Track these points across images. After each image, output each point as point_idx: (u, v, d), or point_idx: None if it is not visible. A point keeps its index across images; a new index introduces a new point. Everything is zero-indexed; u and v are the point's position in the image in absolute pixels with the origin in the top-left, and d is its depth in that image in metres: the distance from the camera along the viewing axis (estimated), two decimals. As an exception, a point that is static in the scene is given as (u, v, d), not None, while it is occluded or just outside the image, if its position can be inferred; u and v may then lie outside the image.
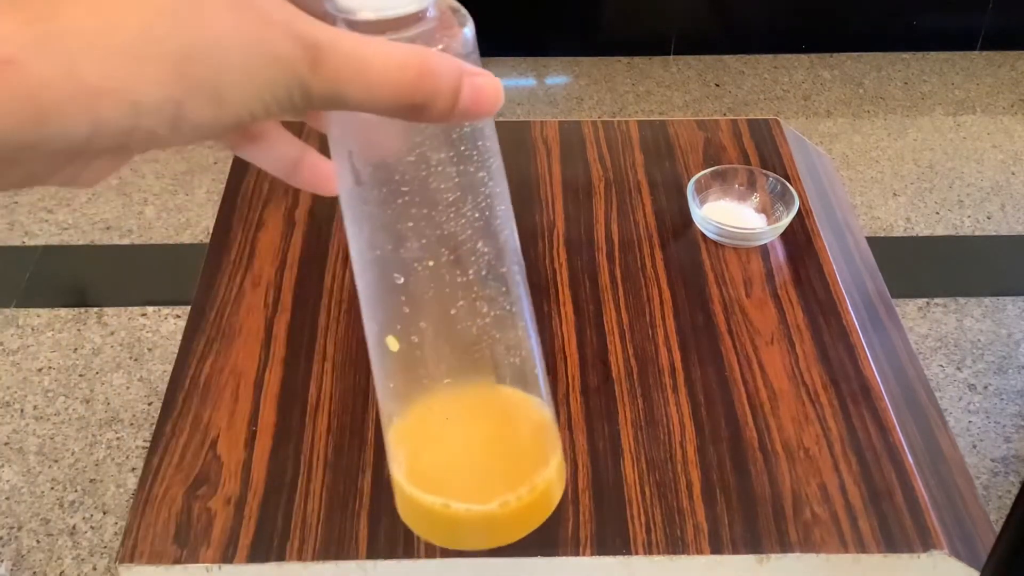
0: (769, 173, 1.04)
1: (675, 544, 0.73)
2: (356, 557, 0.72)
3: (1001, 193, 2.17)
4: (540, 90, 2.53)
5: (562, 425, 0.81)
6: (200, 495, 0.76)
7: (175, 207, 2.09)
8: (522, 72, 2.57)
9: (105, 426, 1.63)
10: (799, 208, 1.00)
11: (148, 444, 0.82)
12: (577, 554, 0.72)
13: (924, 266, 2.01)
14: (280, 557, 0.72)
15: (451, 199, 0.34)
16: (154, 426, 0.87)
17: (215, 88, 0.26)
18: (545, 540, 0.73)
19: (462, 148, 0.34)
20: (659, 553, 0.72)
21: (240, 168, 1.09)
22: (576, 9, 2.59)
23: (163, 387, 0.98)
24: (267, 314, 0.91)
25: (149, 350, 1.76)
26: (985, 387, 1.72)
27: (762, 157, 1.11)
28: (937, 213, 2.12)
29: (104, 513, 1.50)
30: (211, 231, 1.02)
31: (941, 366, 1.76)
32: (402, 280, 0.36)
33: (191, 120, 0.26)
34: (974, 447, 1.63)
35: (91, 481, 1.55)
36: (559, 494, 0.42)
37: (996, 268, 2.00)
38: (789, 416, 0.82)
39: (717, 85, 2.52)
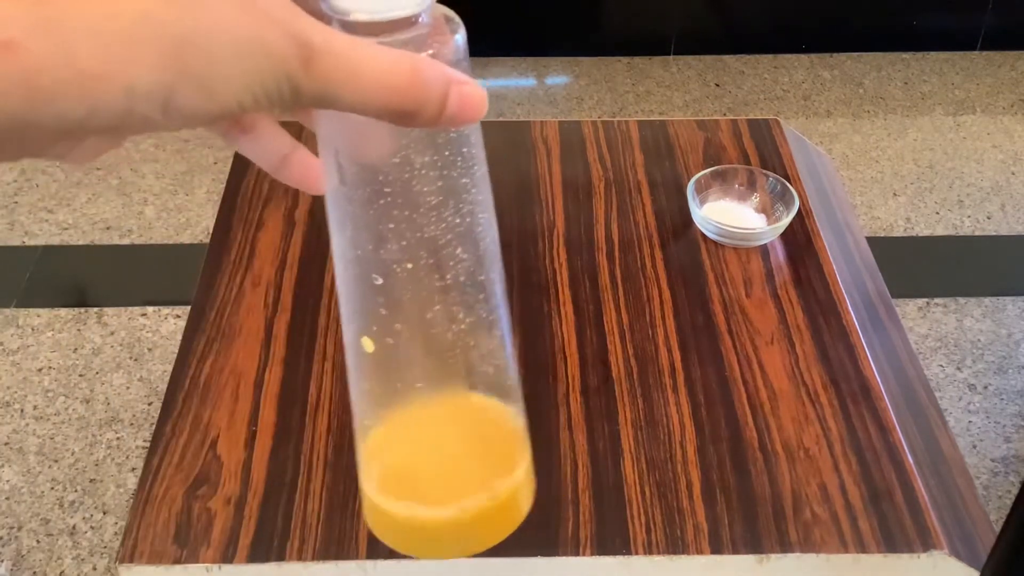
0: (769, 173, 1.04)
1: (675, 544, 0.73)
2: (356, 557, 0.72)
3: (1001, 193, 2.17)
4: (540, 90, 2.53)
5: (562, 425, 0.81)
6: (200, 495, 0.76)
7: (175, 207, 2.09)
8: (522, 72, 2.57)
9: (105, 426, 1.63)
10: (799, 208, 1.00)
11: (148, 444, 0.82)
12: (577, 554, 0.72)
13: (924, 266, 2.01)
14: (280, 557, 0.72)
15: (433, 203, 0.35)
16: (154, 426, 0.87)
17: (207, 78, 0.26)
18: (545, 540, 0.73)
19: (446, 153, 0.34)
20: (659, 553, 0.72)
21: (240, 168, 1.09)
22: (576, 9, 2.60)
23: (163, 387, 0.98)
24: (267, 314, 0.91)
25: (149, 350, 1.76)
26: (985, 387, 1.72)
27: (762, 157, 1.11)
28: (937, 213, 2.12)
29: (104, 513, 1.50)
30: (211, 231, 1.02)
31: (941, 366, 1.76)
32: (380, 281, 0.36)
33: (182, 107, 0.26)
34: (974, 447, 1.63)
35: (91, 481, 1.55)
36: (528, 501, 0.43)
37: (996, 268, 2.00)
38: (789, 416, 0.82)
39: (717, 85, 2.52)
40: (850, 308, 0.92)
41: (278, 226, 1.01)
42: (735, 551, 0.73)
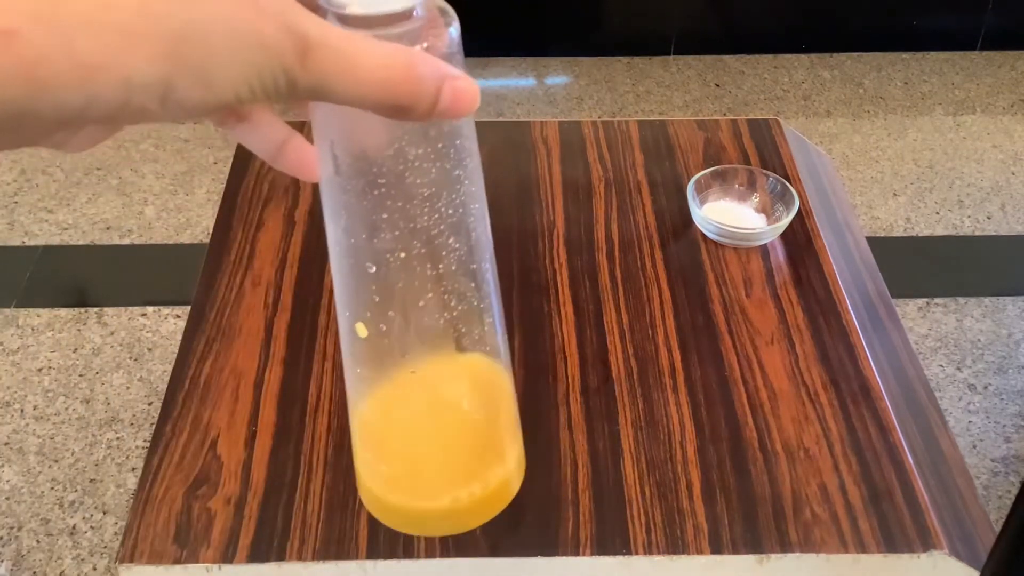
0: (769, 173, 1.04)
1: (675, 544, 0.73)
2: (356, 557, 0.72)
3: (1001, 193, 2.17)
4: (540, 90, 2.53)
5: (562, 425, 0.81)
6: (200, 495, 0.76)
7: (175, 207, 2.09)
8: (522, 72, 2.57)
9: (105, 426, 1.63)
10: (799, 208, 1.00)
11: (148, 444, 0.82)
12: (577, 554, 0.72)
13: (924, 266, 2.01)
14: (280, 557, 0.72)
15: (426, 194, 0.35)
16: (154, 426, 0.87)
17: (204, 70, 0.27)
18: (545, 540, 0.73)
19: (440, 145, 0.35)
20: (659, 553, 0.72)
21: (240, 168, 1.09)
22: (576, 9, 2.60)
23: (163, 387, 0.98)
24: (267, 314, 0.91)
25: (149, 350, 1.76)
26: (985, 387, 1.72)
27: (762, 157, 1.11)
28: (937, 213, 2.12)
29: (104, 513, 1.50)
30: (211, 231, 1.02)
31: (941, 366, 1.76)
32: (374, 269, 0.37)
33: (180, 98, 0.27)
34: (974, 447, 1.63)
35: (91, 481, 1.55)
36: (517, 485, 0.44)
37: (996, 268, 2.00)
38: (789, 416, 0.82)
39: (717, 85, 2.52)
40: (850, 308, 0.92)
41: (278, 226, 1.01)
42: (735, 551, 0.73)
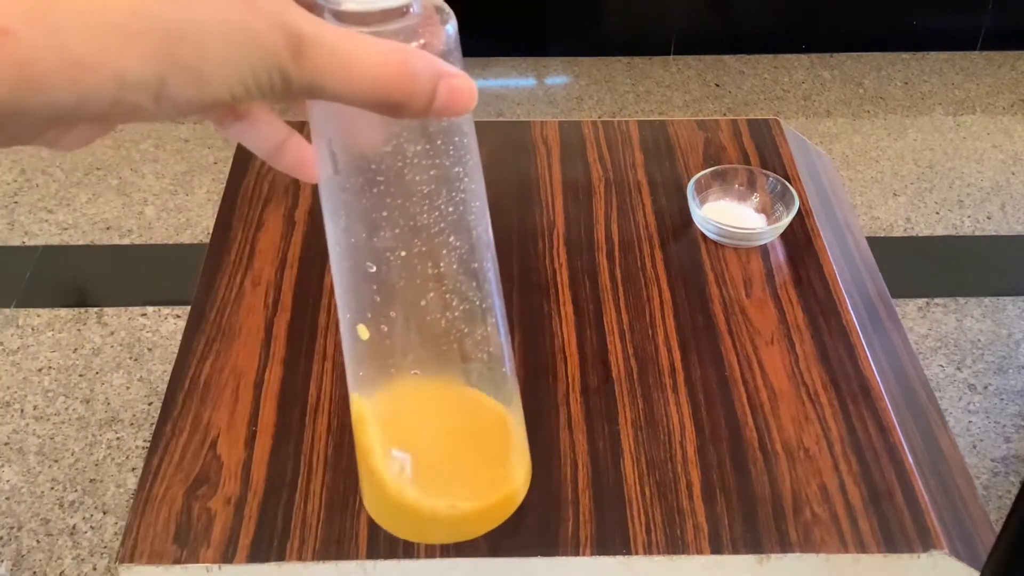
0: (769, 173, 1.04)
1: (675, 544, 0.73)
2: (356, 557, 0.72)
3: (1001, 193, 2.17)
4: (540, 90, 2.53)
5: (562, 425, 0.81)
6: (200, 495, 0.76)
7: (175, 207, 2.09)
8: (522, 72, 2.57)
9: (105, 426, 1.63)
10: (799, 208, 1.00)
11: (148, 444, 0.83)
12: (577, 554, 0.72)
13: (924, 266, 2.01)
14: (280, 557, 0.72)
15: (425, 191, 0.35)
16: (154, 426, 0.87)
17: (198, 69, 0.27)
18: (545, 540, 0.73)
19: (438, 142, 0.35)
20: (659, 553, 0.72)
21: (240, 168, 1.09)
22: (576, 9, 2.59)
23: (163, 387, 0.98)
24: (267, 314, 0.91)
25: (149, 350, 1.76)
26: (985, 387, 1.72)
27: (762, 157, 1.11)
28: (937, 213, 2.12)
29: (104, 513, 1.50)
30: (211, 231, 1.02)
31: (941, 366, 1.76)
32: (374, 269, 0.36)
33: (174, 97, 0.27)
34: (974, 447, 1.63)
35: (91, 481, 1.55)
36: (523, 494, 0.43)
37: (996, 268, 2.00)
38: (789, 416, 0.82)
39: (717, 85, 2.52)
40: (850, 308, 0.92)
41: (278, 226, 1.01)
42: (735, 551, 0.73)
